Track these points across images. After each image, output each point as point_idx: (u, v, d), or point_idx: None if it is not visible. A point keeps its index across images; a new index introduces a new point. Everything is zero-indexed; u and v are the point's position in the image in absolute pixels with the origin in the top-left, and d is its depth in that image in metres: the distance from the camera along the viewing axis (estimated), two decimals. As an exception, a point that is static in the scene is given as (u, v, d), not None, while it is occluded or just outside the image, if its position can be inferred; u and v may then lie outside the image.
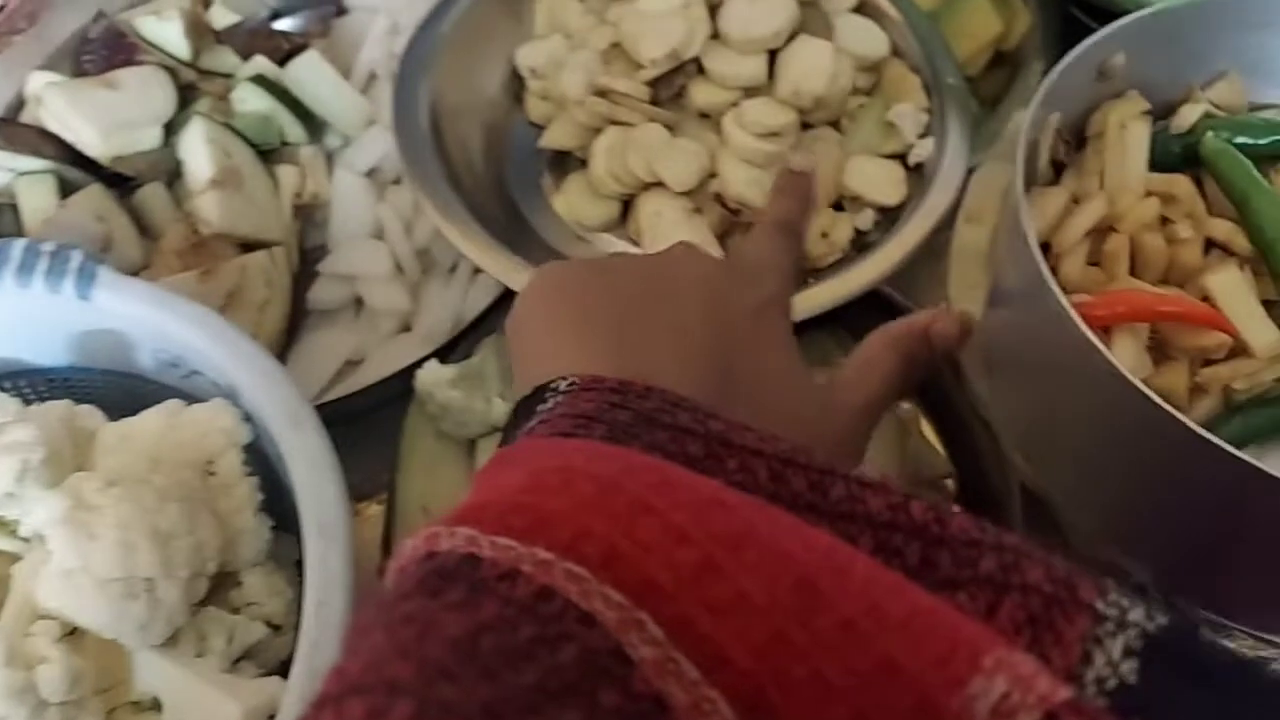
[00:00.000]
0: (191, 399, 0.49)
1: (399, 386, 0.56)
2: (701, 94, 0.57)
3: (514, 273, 0.52)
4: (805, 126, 0.59)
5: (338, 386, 0.60)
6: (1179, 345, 0.42)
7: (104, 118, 0.60)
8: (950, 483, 0.56)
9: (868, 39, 0.60)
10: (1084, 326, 0.34)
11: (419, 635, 0.20)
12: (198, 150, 0.60)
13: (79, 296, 0.48)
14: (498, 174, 0.61)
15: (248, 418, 0.48)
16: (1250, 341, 0.42)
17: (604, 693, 0.19)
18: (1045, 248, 0.44)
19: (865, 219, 0.56)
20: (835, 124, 0.59)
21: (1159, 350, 0.43)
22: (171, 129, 0.63)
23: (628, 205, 0.59)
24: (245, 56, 0.68)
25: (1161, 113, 0.47)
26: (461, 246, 0.54)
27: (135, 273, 0.60)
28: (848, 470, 0.25)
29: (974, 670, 0.19)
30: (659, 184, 0.57)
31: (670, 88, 0.58)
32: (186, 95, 0.65)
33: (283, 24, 0.73)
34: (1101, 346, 0.34)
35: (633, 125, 0.57)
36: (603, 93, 0.57)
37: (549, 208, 0.60)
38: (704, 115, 0.58)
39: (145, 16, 0.66)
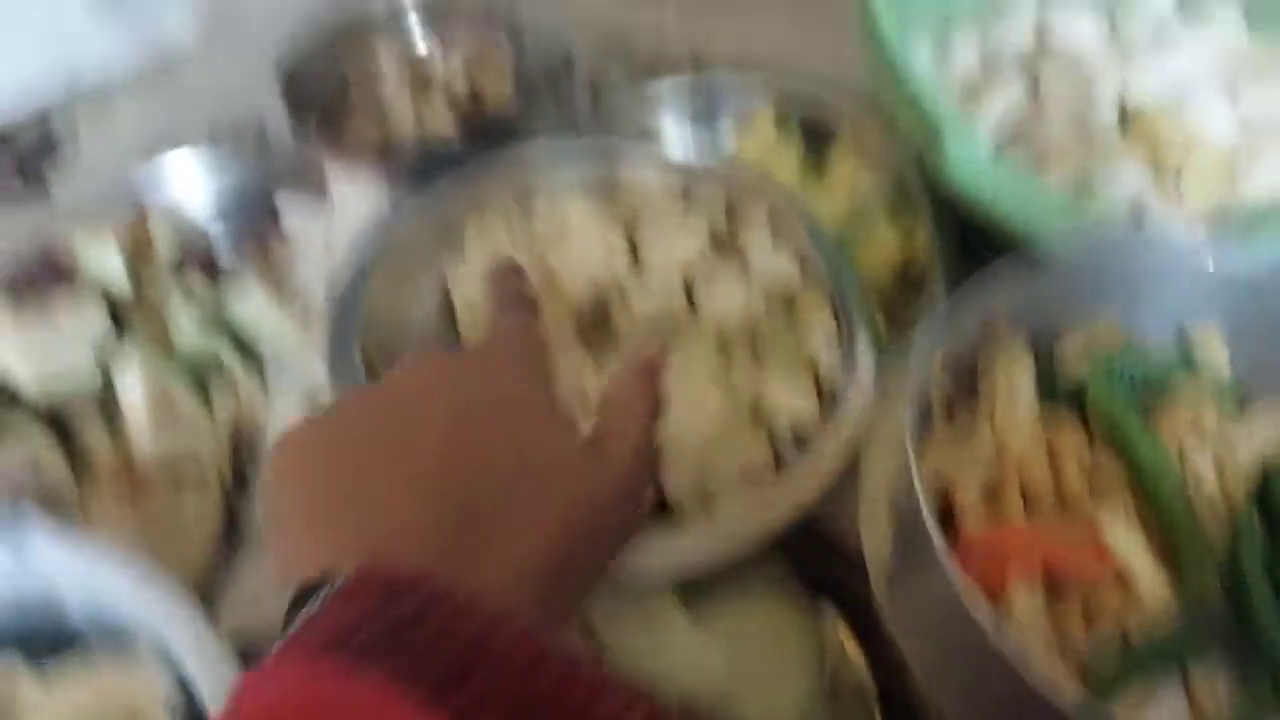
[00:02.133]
0: (120, 650, 0.50)
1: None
2: (626, 326, 0.60)
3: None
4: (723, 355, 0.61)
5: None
6: (1071, 584, 0.44)
7: (38, 357, 0.61)
8: (871, 692, 0.57)
9: (779, 263, 0.63)
10: (970, 602, 0.36)
11: None
12: (131, 382, 0.61)
13: (9, 550, 0.48)
14: None
15: (177, 672, 0.48)
16: (1138, 581, 0.45)
17: None
18: (941, 493, 0.47)
19: (782, 430, 0.58)
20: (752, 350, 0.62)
21: (1052, 588, 0.45)
22: (107, 360, 0.64)
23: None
24: (183, 280, 0.70)
25: (1047, 349, 0.51)
26: None
27: (67, 509, 0.60)
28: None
29: None
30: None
31: (594, 320, 0.60)
32: (123, 322, 0.66)
33: (221, 240, 0.75)
34: (987, 626, 0.36)
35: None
36: None
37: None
38: None
39: (85, 242, 0.67)
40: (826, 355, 0.59)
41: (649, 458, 0.47)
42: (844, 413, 0.56)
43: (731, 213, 0.65)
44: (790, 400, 0.58)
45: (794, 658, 0.55)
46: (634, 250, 0.62)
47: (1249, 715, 0.43)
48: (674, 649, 0.54)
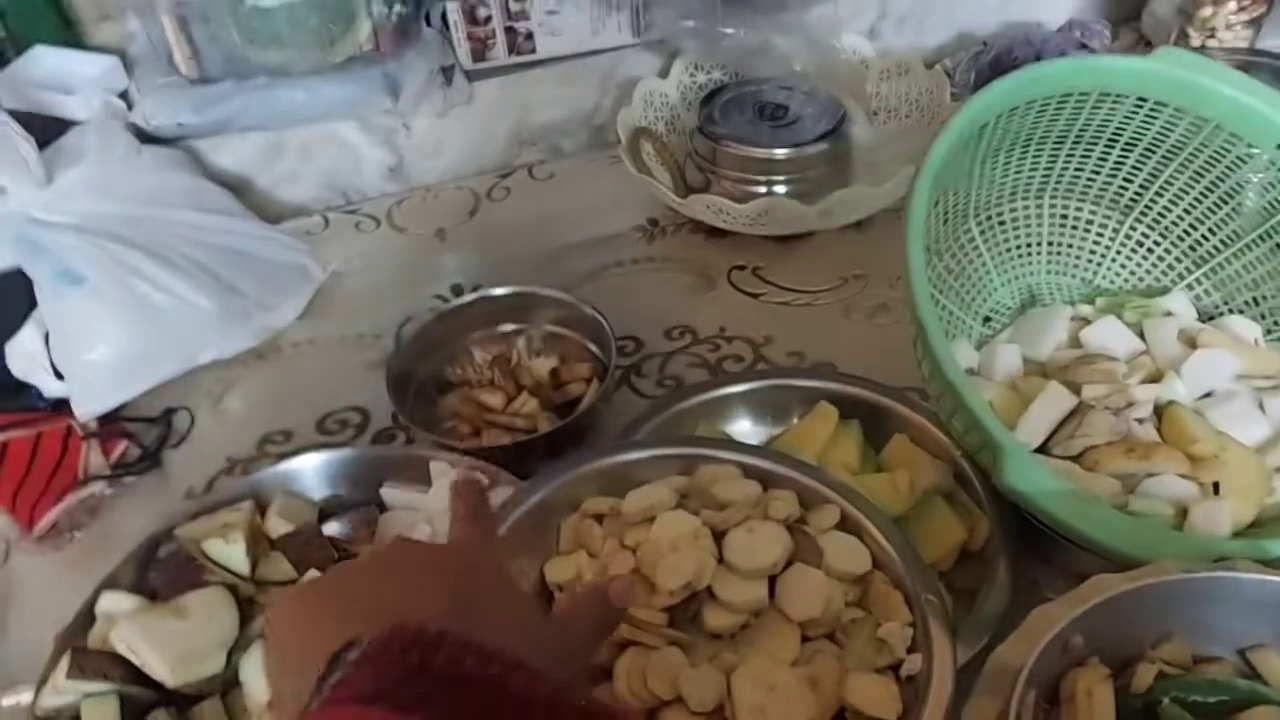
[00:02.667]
0: None
1: None
2: (713, 617, 0.65)
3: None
4: (805, 640, 0.66)
5: None
6: None
7: (173, 650, 0.66)
8: None
9: (852, 556, 0.69)
10: None
11: None
12: (257, 674, 0.66)
13: None
14: None
15: None
16: None
17: None
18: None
19: None
20: (831, 637, 0.67)
21: None
22: (235, 648, 0.69)
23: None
24: (297, 565, 0.76)
25: (1119, 666, 0.55)
26: None
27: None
28: None
29: None
30: (678, 700, 0.63)
31: (686, 611, 0.66)
32: (246, 610, 0.72)
33: (330, 527, 0.81)
34: None
35: (653, 648, 0.64)
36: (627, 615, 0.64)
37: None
38: (715, 635, 0.65)
39: (213, 539, 0.74)
40: (902, 643, 0.64)
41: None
42: (925, 700, 0.60)
43: (805, 505, 0.71)
44: (873, 694, 0.62)
45: None
46: (717, 540, 0.68)
47: None
48: None
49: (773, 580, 0.67)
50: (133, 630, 0.67)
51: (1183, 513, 0.68)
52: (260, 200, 1.14)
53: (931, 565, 0.73)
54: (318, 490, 0.83)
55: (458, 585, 0.45)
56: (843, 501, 0.71)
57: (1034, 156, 0.84)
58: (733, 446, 0.76)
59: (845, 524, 0.71)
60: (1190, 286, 0.86)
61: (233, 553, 0.73)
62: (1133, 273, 0.88)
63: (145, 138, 1.05)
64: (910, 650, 0.65)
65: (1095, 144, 0.83)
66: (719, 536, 0.68)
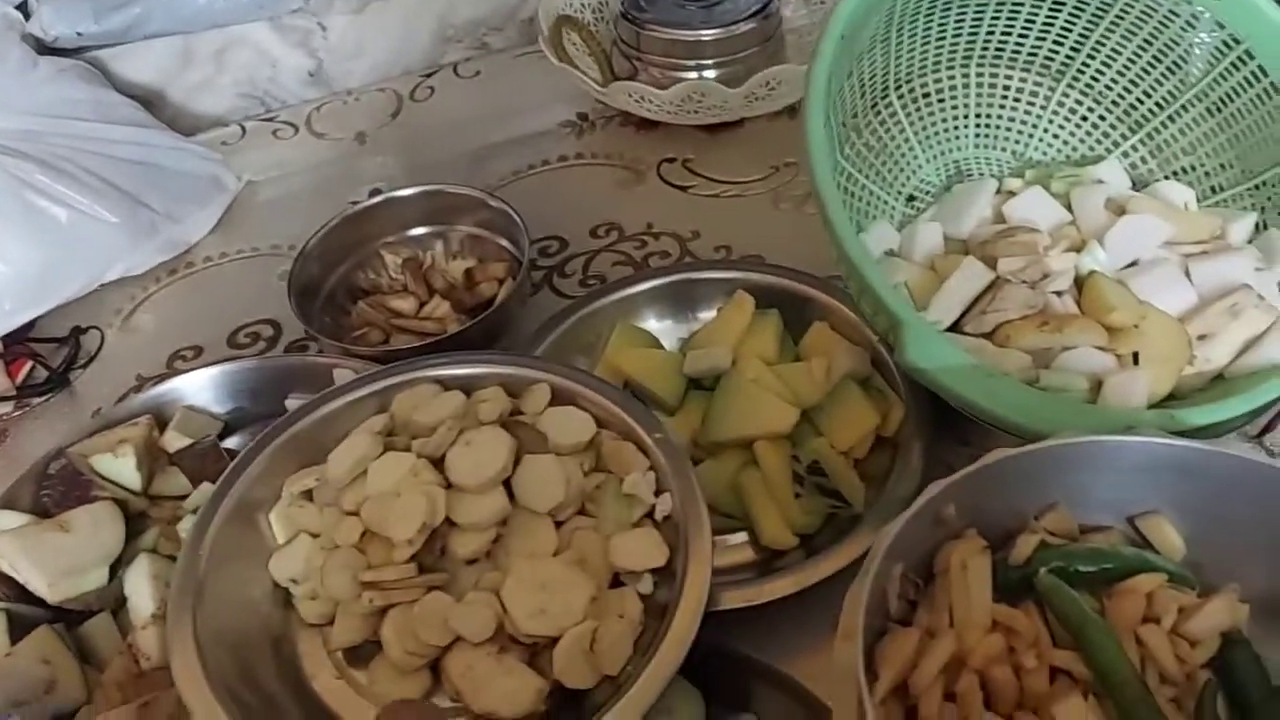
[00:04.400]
0: None
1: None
2: (461, 545, 0.62)
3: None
4: (559, 525, 0.64)
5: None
6: (1035, 777, 0.45)
7: (54, 565, 0.64)
8: None
9: (575, 427, 0.67)
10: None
11: None
12: (141, 587, 0.64)
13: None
14: (297, 679, 0.63)
15: None
16: (1101, 771, 0.45)
17: None
18: (904, 688, 0.48)
19: (646, 584, 0.61)
20: (582, 511, 0.65)
21: (1021, 783, 0.46)
22: (119, 562, 0.67)
23: (435, 667, 0.61)
24: (194, 478, 0.74)
25: (1002, 540, 0.53)
26: None
27: (77, 709, 0.63)
28: None
29: None
30: (458, 640, 0.59)
31: (432, 552, 0.63)
32: (136, 523, 0.70)
33: (233, 441, 0.79)
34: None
35: (410, 600, 0.60)
36: (370, 584, 0.61)
37: (365, 698, 0.62)
38: (471, 561, 0.63)
39: (102, 455, 0.72)
40: (649, 489, 0.64)
41: None
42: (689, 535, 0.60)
43: (513, 394, 0.70)
44: (637, 549, 0.62)
45: None
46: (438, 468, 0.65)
47: None
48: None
49: (508, 483, 0.64)
50: (12, 546, 0.65)
51: (1098, 386, 0.65)
52: (175, 112, 1.09)
53: (847, 452, 0.71)
54: (220, 405, 0.81)
55: None
56: (549, 376, 0.69)
57: (957, 20, 0.79)
58: (418, 365, 0.71)
59: (559, 398, 0.69)
60: (1125, 154, 0.81)
61: (122, 468, 0.71)
62: (1065, 143, 0.83)
63: (45, 49, 1.00)
64: (658, 492, 0.64)
65: (1022, 4, 0.78)
66: (439, 463, 0.65)
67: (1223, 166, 0.77)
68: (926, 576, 0.52)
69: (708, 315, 0.82)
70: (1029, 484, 0.52)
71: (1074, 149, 0.83)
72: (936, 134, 0.83)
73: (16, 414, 0.87)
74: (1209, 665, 0.50)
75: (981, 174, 0.83)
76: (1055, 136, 0.83)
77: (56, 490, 0.71)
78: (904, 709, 0.48)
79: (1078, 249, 0.72)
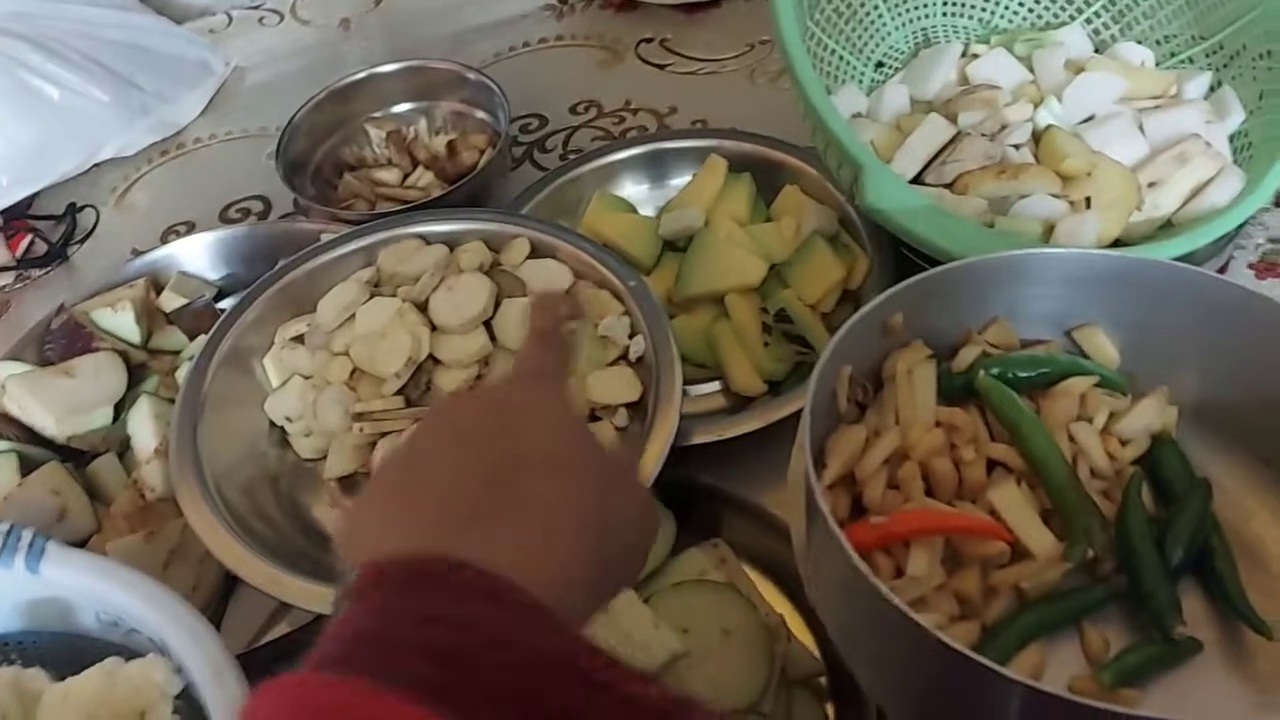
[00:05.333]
0: (130, 653, 0.55)
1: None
2: (446, 380, 0.66)
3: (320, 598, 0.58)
4: None
5: (278, 626, 0.66)
6: (969, 554, 0.49)
7: (59, 404, 0.68)
8: (823, 680, 0.62)
9: (553, 276, 0.71)
10: (854, 556, 0.41)
11: None
12: (143, 426, 0.68)
13: (29, 570, 0.54)
14: (295, 510, 0.67)
15: (179, 669, 0.54)
16: (1031, 546, 0.49)
17: None
18: (851, 477, 0.52)
19: (621, 418, 0.66)
20: None
21: (954, 559, 0.50)
22: (122, 406, 0.71)
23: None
24: (191, 335, 0.77)
25: (948, 354, 0.56)
26: (281, 596, 0.59)
27: (88, 537, 0.67)
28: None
29: None
30: None
31: (418, 386, 0.67)
32: (138, 374, 0.74)
33: (225, 304, 0.82)
34: (865, 568, 0.41)
35: (399, 430, 0.65)
36: (361, 416, 0.65)
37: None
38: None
39: (101, 309, 0.75)
40: (623, 332, 0.67)
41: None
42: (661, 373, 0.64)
43: (495, 249, 0.73)
44: (612, 385, 0.66)
45: (744, 649, 0.60)
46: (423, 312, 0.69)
47: (1131, 650, 0.48)
48: (634, 642, 0.59)
49: (489, 325, 0.68)
50: (20, 388, 0.69)
51: (1051, 230, 0.68)
52: (163, 2, 1.11)
53: (814, 305, 0.74)
54: (214, 270, 0.84)
55: (515, 441, 0.37)
56: (529, 231, 0.73)
57: (924, -113, 0.81)
58: (403, 221, 0.75)
59: (538, 251, 0.73)
60: (1089, 20, 0.83)
61: (121, 321, 0.75)
62: (1031, 10, 0.85)
63: (32, -66, 1.01)
64: (632, 335, 0.68)
65: None
66: (423, 308, 0.69)
67: (1181, 29, 0.80)
68: (876, 385, 0.55)
69: (683, 182, 0.85)
70: (971, 297, 0.55)
71: (1039, 16, 0.85)
72: (905, 1, 0.85)
73: (18, 286, 0.90)
74: (1139, 463, 0.54)
75: (949, 41, 0.85)
76: (1021, 4, 0.85)
77: (59, 343, 0.75)
78: (851, 498, 0.52)
79: (1037, 105, 0.75)
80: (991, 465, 0.53)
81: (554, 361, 0.44)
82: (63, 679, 0.55)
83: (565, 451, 0.38)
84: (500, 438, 0.37)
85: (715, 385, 0.74)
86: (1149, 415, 0.54)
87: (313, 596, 0.59)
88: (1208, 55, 0.78)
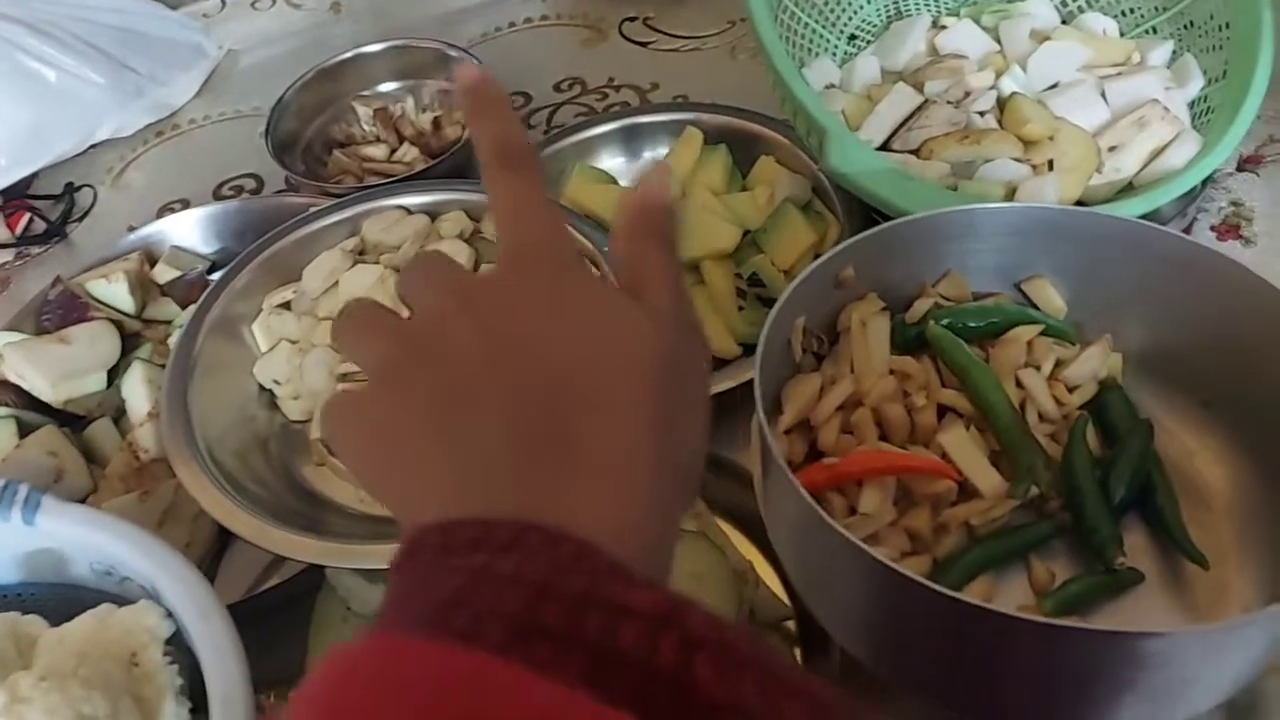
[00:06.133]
0: (124, 602, 0.58)
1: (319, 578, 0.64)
2: None
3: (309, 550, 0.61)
4: None
5: (269, 583, 0.68)
6: (919, 493, 0.52)
7: (54, 370, 0.70)
8: (791, 624, 0.64)
9: None
10: (804, 493, 0.44)
11: None
12: (137, 389, 0.71)
13: (25, 522, 0.57)
14: (285, 470, 0.70)
15: (169, 614, 0.56)
16: (979, 485, 0.52)
17: None
18: (807, 424, 0.54)
19: None
20: None
21: (906, 499, 0.52)
22: (116, 373, 0.73)
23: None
24: (184, 306, 0.80)
25: (903, 306, 0.58)
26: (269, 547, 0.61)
27: (84, 498, 0.69)
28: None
29: None
30: None
31: None
32: (131, 342, 0.76)
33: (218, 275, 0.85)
34: (816, 506, 0.43)
35: None
36: (346, 376, 0.68)
37: (345, 479, 0.68)
38: None
39: (96, 280, 0.77)
40: None
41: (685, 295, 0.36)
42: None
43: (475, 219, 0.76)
44: None
45: (714, 592, 0.62)
46: None
47: (1074, 580, 0.50)
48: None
49: None
50: (17, 355, 0.71)
51: (1013, 193, 0.70)
52: (157, -14, 1.13)
53: (788, 271, 0.76)
54: (207, 245, 0.86)
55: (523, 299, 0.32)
56: None
57: None
58: (386, 193, 0.77)
59: None
60: (1057, -8, 0.85)
61: (116, 291, 0.77)
62: (1001, -17, 0.87)
63: (27, -79, 1.04)
64: None
65: None
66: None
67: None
68: (833, 338, 0.57)
69: (661, 154, 0.87)
70: (923, 251, 0.57)
71: (1009, -11, 0.87)
72: (877, -26, 0.87)
73: (18, 263, 0.92)
74: (1086, 408, 0.56)
75: (919, 14, 0.87)
76: (991, -23, 0.87)
77: (56, 314, 0.77)
78: (807, 444, 0.54)
79: (1001, 73, 0.77)
80: (942, 411, 0.55)
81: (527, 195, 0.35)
82: (59, 625, 0.57)
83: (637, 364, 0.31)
84: (569, 349, 0.31)
85: (692, 349, 0.77)
86: (1094, 362, 0.56)
87: (299, 548, 0.61)
88: (1170, 24, 0.80)
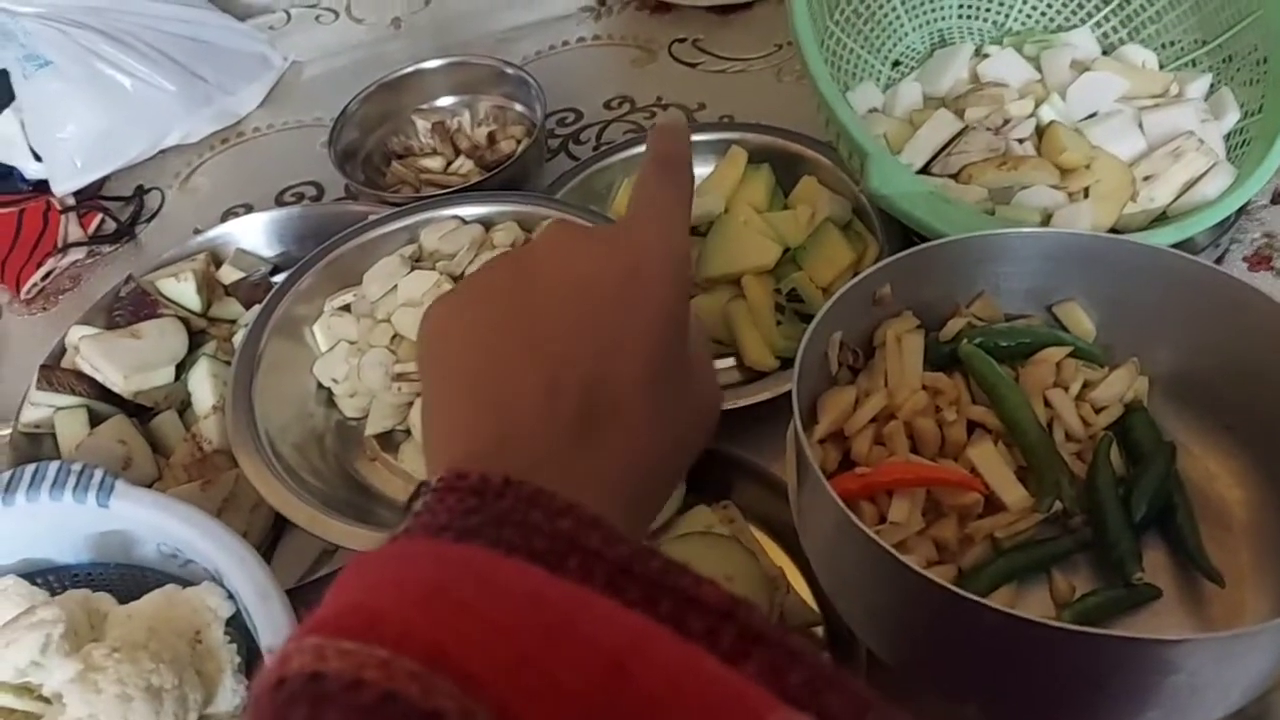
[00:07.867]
0: (187, 583, 0.61)
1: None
2: None
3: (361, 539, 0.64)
4: None
5: (320, 570, 0.72)
6: (947, 504, 0.54)
7: (126, 362, 0.74)
8: (820, 630, 0.66)
9: None
10: (837, 498, 0.46)
11: None
12: (202, 384, 0.75)
13: (100, 504, 0.61)
14: (340, 465, 0.74)
15: (230, 596, 0.60)
16: (1005, 499, 0.54)
17: None
18: (841, 435, 0.56)
19: None
20: None
21: (935, 509, 0.54)
22: (183, 367, 0.77)
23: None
24: (247, 305, 0.84)
25: (938, 325, 0.61)
26: (323, 535, 0.65)
27: (149, 485, 0.73)
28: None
29: None
30: None
31: None
32: (197, 339, 0.80)
33: (280, 278, 0.88)
34: (848, 511, 0.46)
35: None
36: (401, 376, 0.71)
37: (397, 474, 0.73)
38: None
39: (166, 279, 0.82)
40: None
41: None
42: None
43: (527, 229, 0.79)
44: None
45: (745, 594, 0.64)
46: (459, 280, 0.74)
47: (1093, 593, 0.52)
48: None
49: None
50: (91, 348, 0.75)
51: (1049, 219, 0.73)
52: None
53: (826, 288, 0.79)
54: (270, 248, 0.90)
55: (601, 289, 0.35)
56: (559, 213, 0.78)
57: (941, -104, 0.85)
58: (443, 203, 0.80)
59: None
60: (1098, 24, 0.87)
61: (184, 290, 0.81)
62: (1043, 14, 0.89)
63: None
64: None
65: (1002, -121, 0.84)
66: (459, 280, 0.74)
67: (1185, 33, 0.83)
68: (869, 353, 0.60)
69: (706, 172, 0.90)
70: (958, 273, 0.59)
71: (1050, 19, 0.89)
72: (921, 3, 0.89)
73: (89, 261, 0.97)
74: (1112, 429, 0.58)
75: (963, 41, 0.89)
76: (1034, 8, 0.89)
77: (127, 310, 0.81)
78: (841, 453, 0.57)
79: (1041, 101, 0.79)
80: (972, 427, 0.57)
81: (673, 197, 0.38)
82: (127, 603, 0.61)
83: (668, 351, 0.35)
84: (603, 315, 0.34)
85: (730, 361, 0.79)
86: (1121, 384, 0.58)
87: (351, 536, 0.65)
88: (1210, 58, 0.82)
